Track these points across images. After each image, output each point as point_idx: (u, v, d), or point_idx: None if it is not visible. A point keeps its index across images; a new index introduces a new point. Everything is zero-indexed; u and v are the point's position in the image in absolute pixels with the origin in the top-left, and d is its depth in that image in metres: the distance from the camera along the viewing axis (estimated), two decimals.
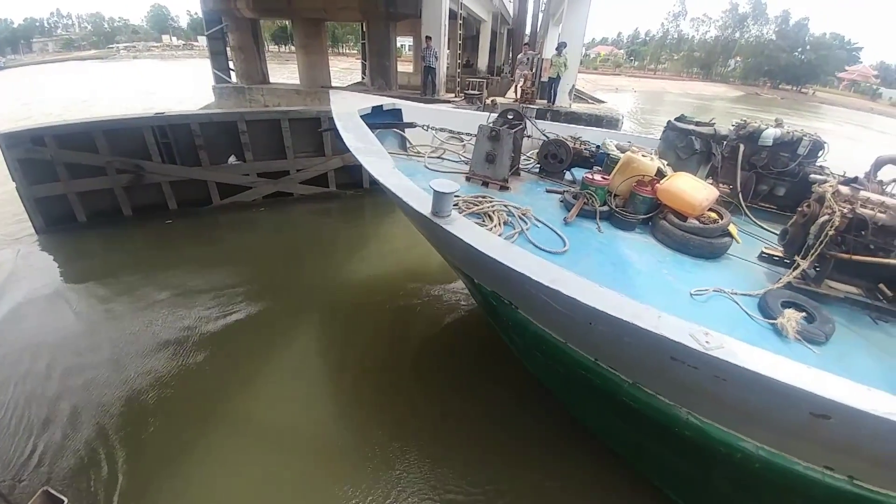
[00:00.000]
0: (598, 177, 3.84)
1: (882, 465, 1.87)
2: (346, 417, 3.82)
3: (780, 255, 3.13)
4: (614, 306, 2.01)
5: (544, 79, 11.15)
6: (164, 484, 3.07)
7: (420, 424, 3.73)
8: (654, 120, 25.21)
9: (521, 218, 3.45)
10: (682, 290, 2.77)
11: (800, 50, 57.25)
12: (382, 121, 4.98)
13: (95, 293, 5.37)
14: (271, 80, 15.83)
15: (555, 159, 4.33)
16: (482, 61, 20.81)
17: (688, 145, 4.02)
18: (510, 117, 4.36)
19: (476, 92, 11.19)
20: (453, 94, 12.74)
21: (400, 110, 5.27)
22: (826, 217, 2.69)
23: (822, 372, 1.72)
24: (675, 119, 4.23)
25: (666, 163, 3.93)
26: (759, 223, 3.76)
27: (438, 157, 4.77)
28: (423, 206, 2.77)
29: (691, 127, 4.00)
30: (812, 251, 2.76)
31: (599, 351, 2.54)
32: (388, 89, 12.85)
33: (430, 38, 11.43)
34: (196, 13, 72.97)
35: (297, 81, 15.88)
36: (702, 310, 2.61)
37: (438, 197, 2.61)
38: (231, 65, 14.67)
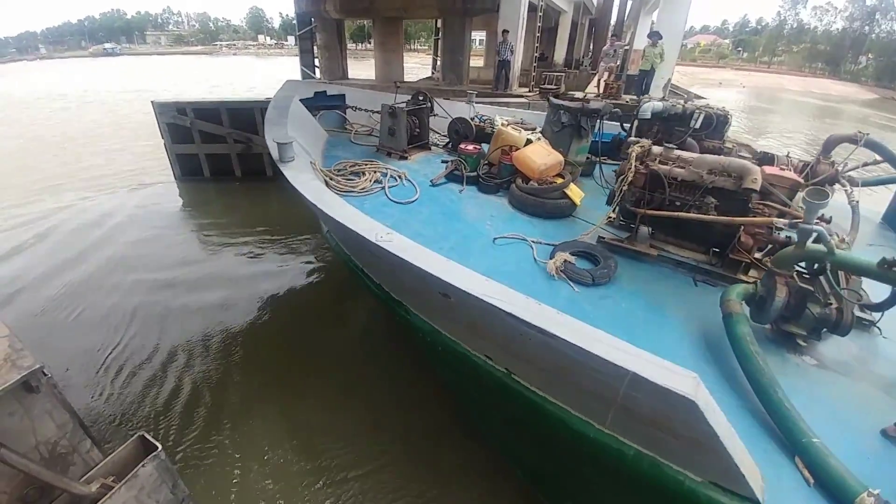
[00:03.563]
0: (470, 147, 4.54)
1: (527, 363, 2.21)
2: None
3: (614, 216, 3.38)
4: (386, 242, 2.39)
5: (633, 72, 10.37)
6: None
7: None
8: (768, 122, 22.19)
9: (394, 177, 4.28)
10: (490, 237, 3.31)
11: None
12: (325, 104, 6.00)
13: (201, 222, 8.11)
14: (349, 75, 16.87)
15: (458, 135, 5.13)
16: (559, 54, 20.02)
17: (557, 119, 4.51)
18: (420, 98, 5.22)
19: (552, 87, 10.80)
20: (527, 89, 12.44)
21: (343, 95, 6.31)
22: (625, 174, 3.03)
23: (451, 263, 2.16)
24: (552, 96, 4.82)
25: (539, 136, 4.46)
26: None
27: (368, 133, 5.68)
28: (289, 163, 3.54)
29: (561, 102, 4.53)
30: (613, 204, 3.24)
31: (384, 277, 3.19)
32: (459, 84, 12.96)
33: (507, 31, 11.28)
34: (287, 15, 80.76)
35: (373, 77, 16.73)
36: (496, 251, 3.17)
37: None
38: (316, 62, 15.94)
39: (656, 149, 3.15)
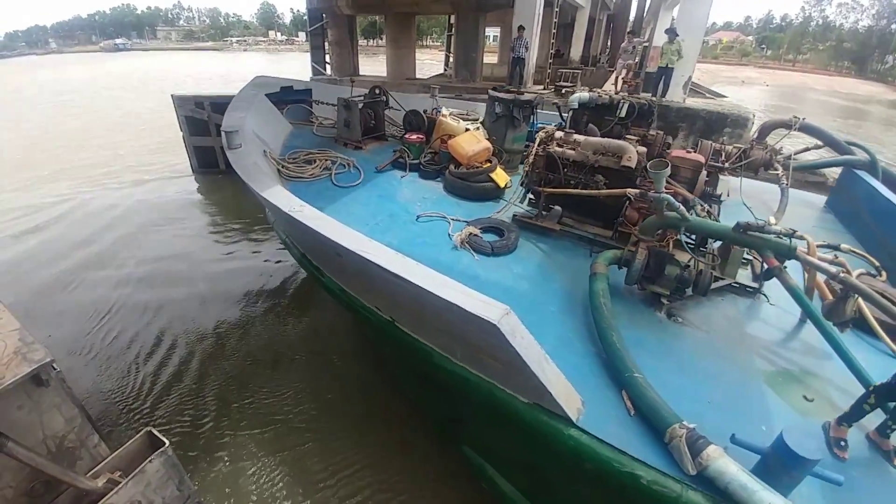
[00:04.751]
0: (414, 136, 4.94)
1: (400, 309, 2.58)
2: None
3: (532, 197, 3.77)
4: (298, 213, 2.70)
5: (651, 69, 10.19)
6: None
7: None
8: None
9: (343, 165, 4.72)
10: (416, 216, 3.73)
11: None
12: (292, 98, 6.35)
13: (210, 211, 8.63)
14: (361, 72, 16.94)
15: (411, 126, 5.47)
16: (575, 51, 19.81)
17: (493, 110, 4.93)
18: (377, 92, 5.70)
19: (568, 84, 10.69)
20: (542, 87, 12.34)
21: (310, 90, 6.63)
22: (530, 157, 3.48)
23: (344, 228, 2.47)
24: (491, 88, 5.16)
25: (479, 126, 4.94)
26: None
27: (331, 126, 5.94)
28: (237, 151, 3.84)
29: (496, 94, 4.91)
30: (521, 183, 3.68)
31: (305, 246, 3.52)
32: (472, 81, 12.91)
33: (523, 28, 11.19)
34: (298, 10, 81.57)
35: (384, 73, 16.77)
36: (416, 227, 3.61)
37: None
38: (327, 58, 16.03)
39: (558, 134, 3.53)
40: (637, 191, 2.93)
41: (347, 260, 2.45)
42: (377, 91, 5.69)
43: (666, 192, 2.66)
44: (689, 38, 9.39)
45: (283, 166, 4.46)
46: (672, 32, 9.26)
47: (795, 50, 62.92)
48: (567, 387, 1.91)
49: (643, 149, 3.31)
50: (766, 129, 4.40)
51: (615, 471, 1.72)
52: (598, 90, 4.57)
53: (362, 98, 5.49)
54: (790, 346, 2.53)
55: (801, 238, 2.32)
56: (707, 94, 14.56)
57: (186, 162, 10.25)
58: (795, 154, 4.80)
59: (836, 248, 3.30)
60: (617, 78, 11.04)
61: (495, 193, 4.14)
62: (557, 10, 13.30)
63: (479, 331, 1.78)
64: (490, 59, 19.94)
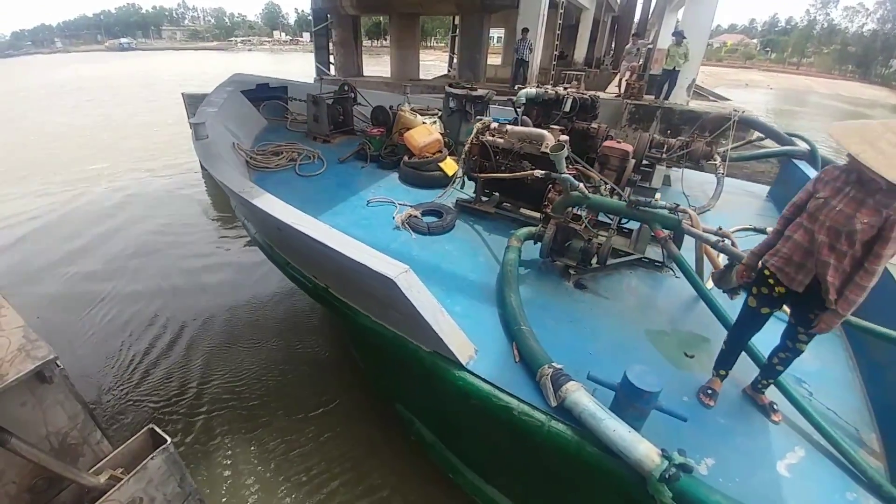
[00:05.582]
0: (375, 130, 5.30)
1: (329, 275, 2.88)
2: None
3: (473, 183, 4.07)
4: (247, 193, 2.91)
5: (655, 71, 10.19)
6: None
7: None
8: (793, 126, 21.69)
9: (308, 157, 5.05)
10: (366, 201, 4.09)
11: None
12: (268, 95, 6.67)
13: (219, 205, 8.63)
14: (364, 72, 17.01)
15: (377, 121, 5.82)
16: (579, 52, 19.86)
17: (447, 105, 5.40)
18: (346, 89, 6.18)
19: (572, 87, 10.67)
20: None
21: (286, 87, 6.95)
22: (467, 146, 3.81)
23: (284, 206, 2.65)
24: (448, 85, 5.55)
25: (436, 120, 5.35)
26: None
27: (304, 121, 6.22)
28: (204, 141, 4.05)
29: (451, 90, 5.36)
30: (459, 169, 3.97)
31: (257, 225, 3.75)
32: (476, 82, 12.93)
33: (527, 29, 11.22)
34: (303, 11, 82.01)
35: (388, 74, 16.83)
36: (365, 210, 3.95)
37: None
38: (331, 59, 16.10)
39: (494, 124, 3.87)
40: (543, 172, 3.30)
41: (286, 234, 2.70)
42: (346, 88, 6.13)
43: (569, 174, 3.07)
44: (693, 41, 9.42)
45: (251, 158, 4.78)
46: (679, 35, 9.27)
47: (800, 53, 62.84)
48: (460, 336, 2.19)
49: (565, 137, 3.70)
50: (707, 123, 4.69)
51: (494, 405, 1.99)
52: (545, 87, 4.85)
53: (332, 94, 5.86)
54: (684, 312, 2.79)
55: (685, 212, 2.60)
56: (711, 97, 14.58)
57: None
58: (734, 147, 5.25)
59: (762, 231, 3.64)
60: (620, 80, 11.04)
61: (444, 181, 4.37)
62: (562, 11, 13.35)
63: (383, 287, 2.03)
64: (494, 60, 19.99)
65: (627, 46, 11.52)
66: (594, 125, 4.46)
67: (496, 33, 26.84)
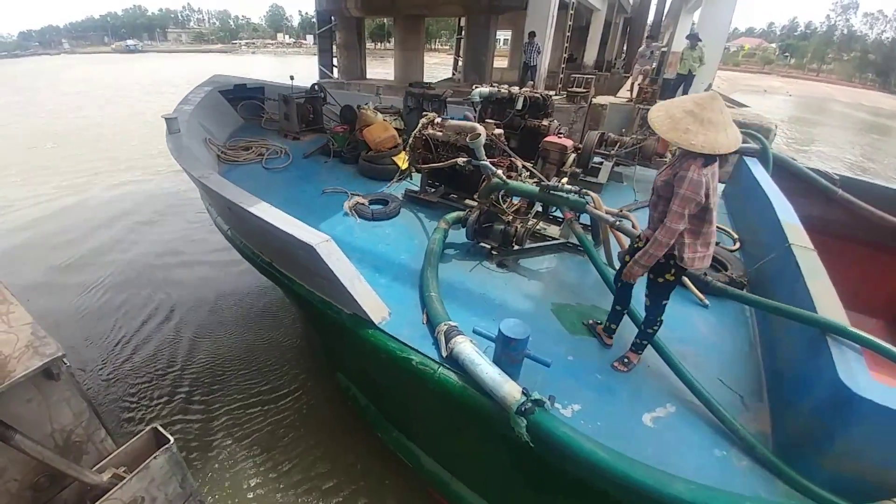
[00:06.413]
0: (338, 127, 5.71)
1: (272, 251, 3.23)
2: None
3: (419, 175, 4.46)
4: (205, 178, 3.22)
5: (669, 75, 10.24)
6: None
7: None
8: (813, 134, 21.59)
9: (276, 152, 5.46)
10: (321, 190, 4.53)
11: None
12: (246, 95, 7.10)
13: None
14: (368, 75, 17.26)
15: (345, 120, 6.13)
16: (589, 55, 19.97)
17: (407, 103, 5.96)
18: (316, 89, 6.73)
19: (581, 90, 10.74)
20: (554, 93, 12.44)
21: (263, 88, 7.40)
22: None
23: (236, 189, 2.97)
24: (408, 85, 6.21)
25: (397, 118, 5.85)
26: None
27: (278, 121, 6.70)
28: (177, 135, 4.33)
29: (409, 89, 5.98)
30: (405, 162, 4.53)
31: (217, 209, 4.04)
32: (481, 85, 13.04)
33: (535, 34, 11.29)
34: (307, 13, 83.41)
35: (392, 77, 17.06)
36: (320, 199, 4.36)
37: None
38: (335, 61, 16.35)
39: (438, 120, 4.22)
40: (465, 159, 3.74)
41: (236, 213, 2.98)
42: (316, 88, 6.74)
43: (487, 161, 3.46)
44: (710, 44, 9.43)
45: (222, 152, 5.21)
46: (695, 37, 9.27)
47: (820, 59, 62.67)
48: (375, 300, 2.55)
49: (499, 130, 4.13)
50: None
51: (398, 357, 2.33)
52: (499, 86, 5.13)
53: (302, 94, 6.42)
54: (591, 288, 3.10)
55: (588, 195, 2.95)
56: (728, 104, 14.47)
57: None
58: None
59: None
60: (632, 84, 11.10)
61: (391, 174, 4.87)
62: (572, 12, 13.44)
63: (307, 255, 2.35)
64: (500, 62, 20.18)
65: (640, 49, 11.58)
66: (545, 123, 4.90)
67: (503, 35, 27.11)
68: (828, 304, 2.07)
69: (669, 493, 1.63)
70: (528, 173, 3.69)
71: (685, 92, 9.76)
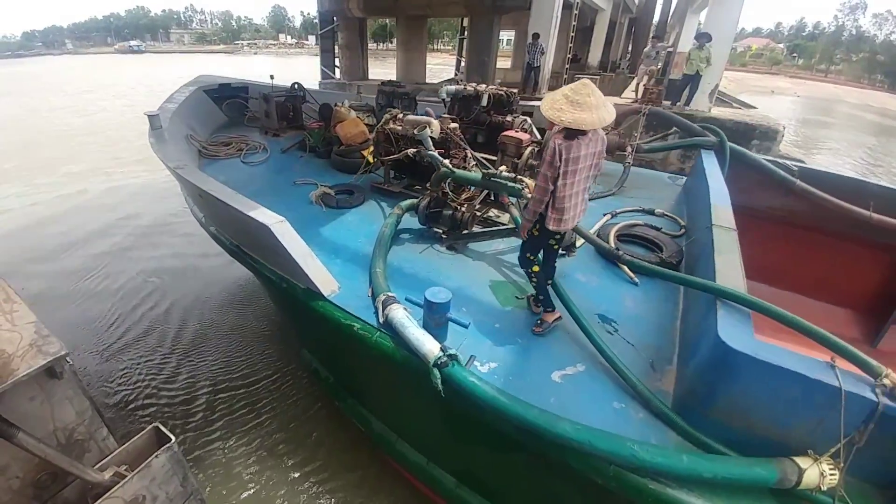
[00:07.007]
0: (314, 124, 5.98)
1: (240, 234, 3.45)
2: None
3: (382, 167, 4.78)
4: (181, 169, 3.43)
5: (675, 76, 10.23)
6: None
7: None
8: (820, 136, 21.51)
9: (255, 147, 5.80)
10: (292, 181, 4.84)
11: None
12: (231, 94, 7.37)
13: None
14: (370, 76, 17.37)
15: (323, 117, 6.33)
16: (594, 55, 20.01)
17: (379, 101, 6.41)
18: (295, 87, 7.07)
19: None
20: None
21: (247, 87, 7.67)
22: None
23: (207, 178, 3.23)
24: (380, 83, 6.56)
25: (370, 114, 6.11)
26: None
27: (258, 119, 7.04)
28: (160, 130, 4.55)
29: (382, 88, 6.38)
30: (370, 155, 4.79)
31: (193, 198, 4.17)
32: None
33: (538, 35, 11.32)
34: (309, 14, 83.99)
35: (394, 78, 17.17)
36: (291, 189, 4.67)
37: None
38: (337, 62, 16.46)
39: (399, 115, 4.46)
40: (414, 150, 4.04)
41: (205, 198, 3.18)
42: (295, 86, 7.14)
43: (435, 152, 3.82)
44: (717, 44, 9.39)
45: (203, 147, 5.50)
46: (704, 37, 9.25)
47: (828, 60, 62.53)
48: (325, 274, 2.80)
49: (455, 125, 4.33)
50: (620, 117, 5.30)
51: (342, 324, 2.60)
52: (466, 84, 5.44)
53: (282, 93, 6.78)
54: None
55: (523, 181, 3.16)
56: (735, 104, 14.52)
57: None
58: (649, 140, 6.06)
59: (650, 212, 4.34)
60: (638, 84, 11.12)
61: (367, 167, 5.14)
62: (576, 12, 13.49)
63: (265, 235, 2.57)
64: (503, 63, 20.25)
65: (646, 49, 11.59)
66: (509, 118, 5.15)
67: (506, 36, 27.20)
68: (729, 274, 2.31)
69: (555, 432, 1.84)
70: (475, 163, 4.02)
71: (692, 93, 9.74)
